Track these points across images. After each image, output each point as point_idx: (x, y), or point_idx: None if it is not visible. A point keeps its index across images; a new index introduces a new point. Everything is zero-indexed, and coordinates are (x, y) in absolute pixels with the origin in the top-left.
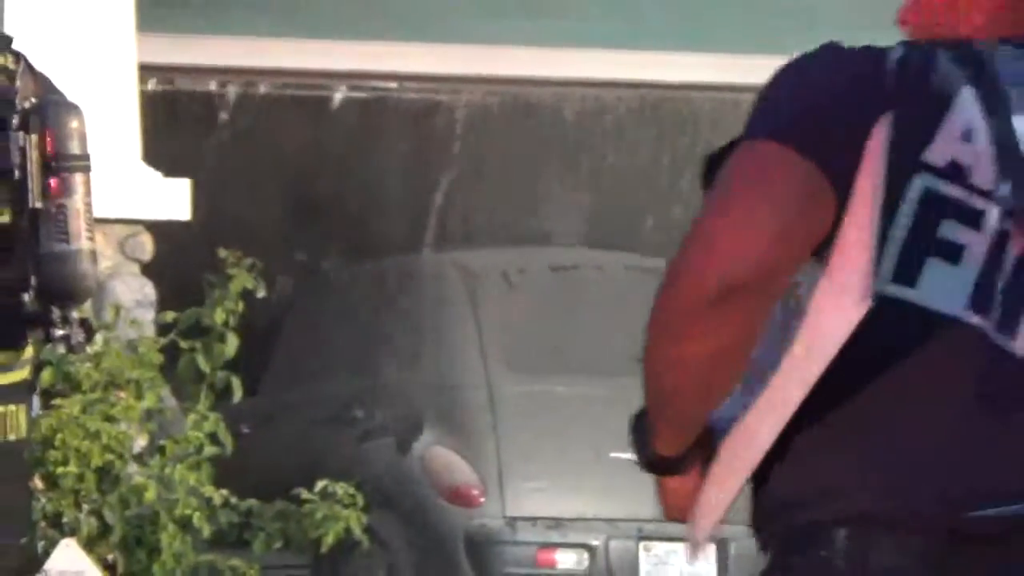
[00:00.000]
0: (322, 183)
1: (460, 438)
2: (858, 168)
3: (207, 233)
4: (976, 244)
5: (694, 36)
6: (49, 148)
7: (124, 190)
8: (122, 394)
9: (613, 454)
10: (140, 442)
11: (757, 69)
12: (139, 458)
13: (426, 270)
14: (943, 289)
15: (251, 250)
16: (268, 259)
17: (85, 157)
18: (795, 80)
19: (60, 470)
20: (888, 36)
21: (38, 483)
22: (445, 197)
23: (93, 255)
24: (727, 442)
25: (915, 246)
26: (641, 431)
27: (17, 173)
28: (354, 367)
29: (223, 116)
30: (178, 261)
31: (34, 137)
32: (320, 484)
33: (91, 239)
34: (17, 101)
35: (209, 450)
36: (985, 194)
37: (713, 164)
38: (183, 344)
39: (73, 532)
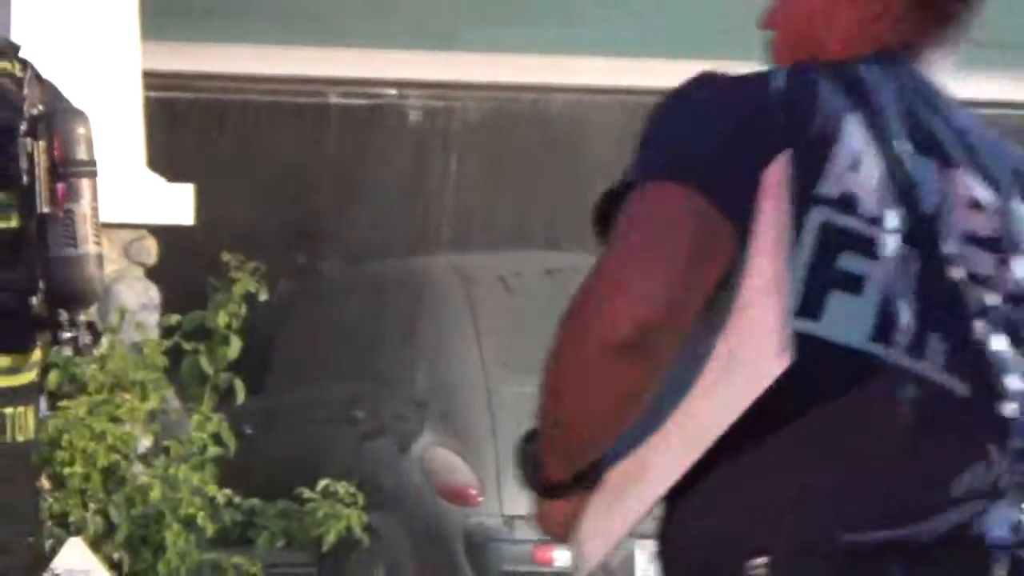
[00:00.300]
0: (322, 188)
1: (459, 438)
2: (757, 205)
3: (210, 237)
4: (875, 273)
5: (696, 43)
6: (57, 154)
7: (129, 195)
8: (127, 396)
9: None
10: (145, 443)
11: None
12: (144, 458)
13: (424, 274)
14: (846, 321)
15: (254, 254)
16: (270, 263)
17: (92, 163)
18: (683, 117)
19: (67, 470)
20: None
21: (45, 483)
22: (443, 202)
23: (100, 259)
24: (616, 473)
25: (817, 280)
26: (530, 454)
27: (25, 179)
28: (354, 369)
29: (225, 122)
30: (182, 265)
31: (42, 143)
32: (322, 484)
33: (98, 243)
34: (25, 108)
35: (212, 450)
36: (877, 222)
37: (608, 204)
38: (187, 346)
39: (79, 531)
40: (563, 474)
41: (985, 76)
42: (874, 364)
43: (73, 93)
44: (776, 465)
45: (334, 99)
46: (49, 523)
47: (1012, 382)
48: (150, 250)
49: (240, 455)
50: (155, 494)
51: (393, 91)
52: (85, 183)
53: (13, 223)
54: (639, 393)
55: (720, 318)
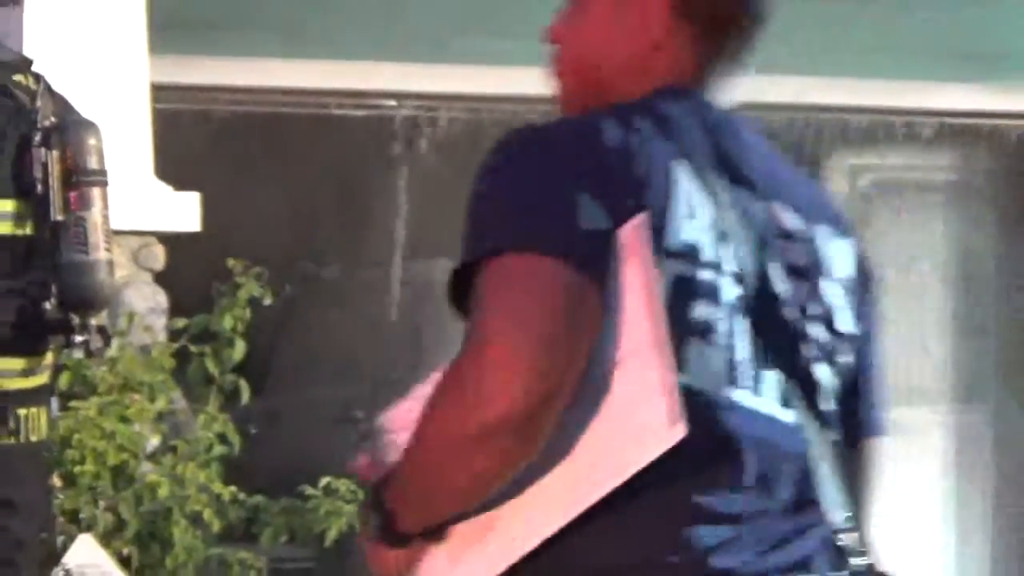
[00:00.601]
0: (324, 196)
1: None
2: (618, 265)
3: (216, 244)
4: (720, 319)
5: None
6: (69, 164)
7: (137, 203)
8: (136, 396)
9: None
10: (153, 442)
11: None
12: (152, 457)
13: (423, 277)
14: (705, 369)
15: (258, 259)
16: (273, 268)
17: (102, 172)
18: (524, 180)
19: (77, 469)
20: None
21: (57, 481)
22: (442, 208)
23: (111, 265)
24: (469, 525)
25: (676, 331)
26: (381, 502)
27: (40, 188)
28: (355, 370)
29: (230, 133)
30: (189, 270)
31: (55, 153)
32: (323, 481)
33: (108, 250)
34: (39, 120)
35: (218, 449)
36: (718, 268)
37: (462, 275)
38: (193, 349)
39: (90, 527)
40: (412, 528)
41: (965, 87)
42: (727, 405)
43: (85, 106)
44: (647, 510)
45: (335, 110)
46: (61, 519)
47: (828, 405)
48: (158, 256)
49: (245, 454)
50: (163, 491)
51: (392, 102)
52: (96, 192)
53: (28, 230)
54: (511, 470)
55: (599, 381)
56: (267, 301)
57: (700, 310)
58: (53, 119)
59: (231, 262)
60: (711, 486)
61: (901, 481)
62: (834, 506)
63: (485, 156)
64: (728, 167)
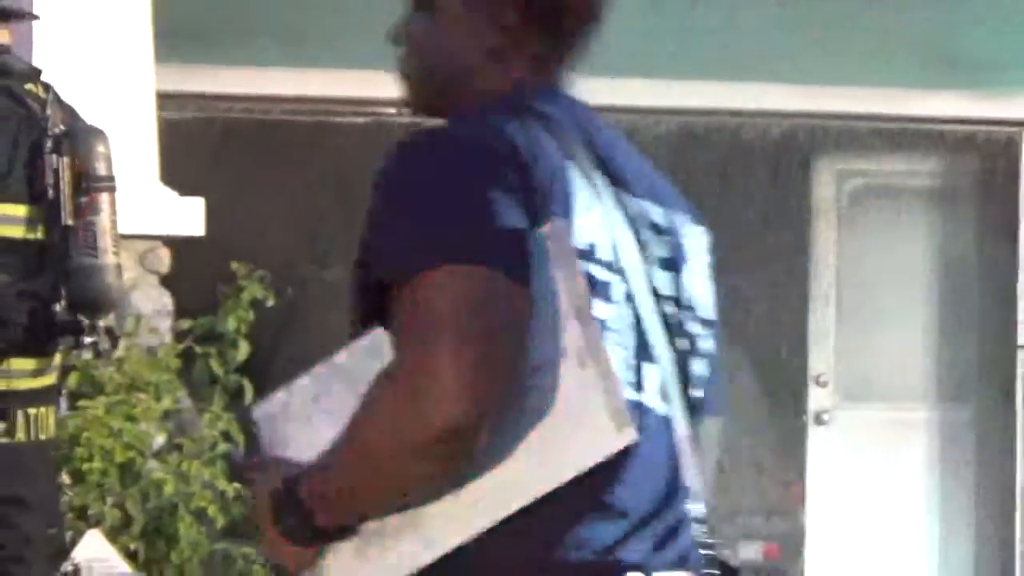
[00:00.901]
0: (325, 201)
1: None
2: (545, 270)
3: (220, 247)
4: (613, 316)
5: (670, 63)
6: (79, 170)
7: (144, 208)
8: (142, 396)
9: None
10: (159, 440)
11: (740, 94)
12: (158, 455)
13: None
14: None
15: (261, 263)
16: (276, 271)
17: (111, 178)
18: (437, 188)
19: (86, 466)
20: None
21: (65, 478)
22: None
23: (119, 269)
24: (388, 522)
25: None
26: (296, 497)
27: (51, 193)
28: None
29: (233, 140)
30: (193, 273)
31: (65, 160)
32: None
33: (116, 254)
34: (49, 127)
35: (223, 447)
36: (611, 266)
37: (381, 290)
38: (198, 350)
39: (98, 523)
40: (330, 524)
41: (952, 93)
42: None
43: (91, 113)
44: (549, 506)
45: (336, 117)
46: (69, 516)
47: (698, 394)
48: (163, 259)
49: (248, 452)
50: (169, 488)
51: (393, 109)
52: (105, 197)
53: (40, 235)
54: (452, 475)
55: (538, 385)
56: (270, 303)
57: (599, 309)
58: (63, 127)
59: (235, 265)
60: (607, 483)
61: (886, 479)
62: (696, 498)
63: (384, 161)
64: (603, 165)
